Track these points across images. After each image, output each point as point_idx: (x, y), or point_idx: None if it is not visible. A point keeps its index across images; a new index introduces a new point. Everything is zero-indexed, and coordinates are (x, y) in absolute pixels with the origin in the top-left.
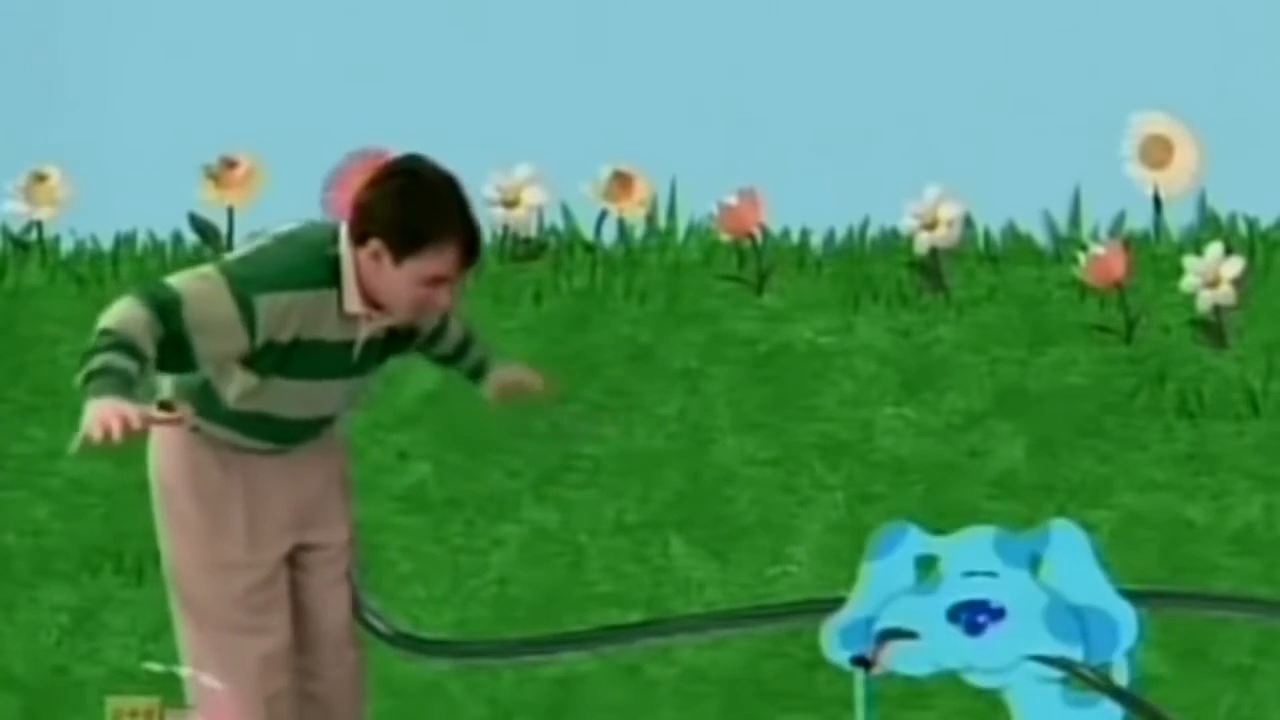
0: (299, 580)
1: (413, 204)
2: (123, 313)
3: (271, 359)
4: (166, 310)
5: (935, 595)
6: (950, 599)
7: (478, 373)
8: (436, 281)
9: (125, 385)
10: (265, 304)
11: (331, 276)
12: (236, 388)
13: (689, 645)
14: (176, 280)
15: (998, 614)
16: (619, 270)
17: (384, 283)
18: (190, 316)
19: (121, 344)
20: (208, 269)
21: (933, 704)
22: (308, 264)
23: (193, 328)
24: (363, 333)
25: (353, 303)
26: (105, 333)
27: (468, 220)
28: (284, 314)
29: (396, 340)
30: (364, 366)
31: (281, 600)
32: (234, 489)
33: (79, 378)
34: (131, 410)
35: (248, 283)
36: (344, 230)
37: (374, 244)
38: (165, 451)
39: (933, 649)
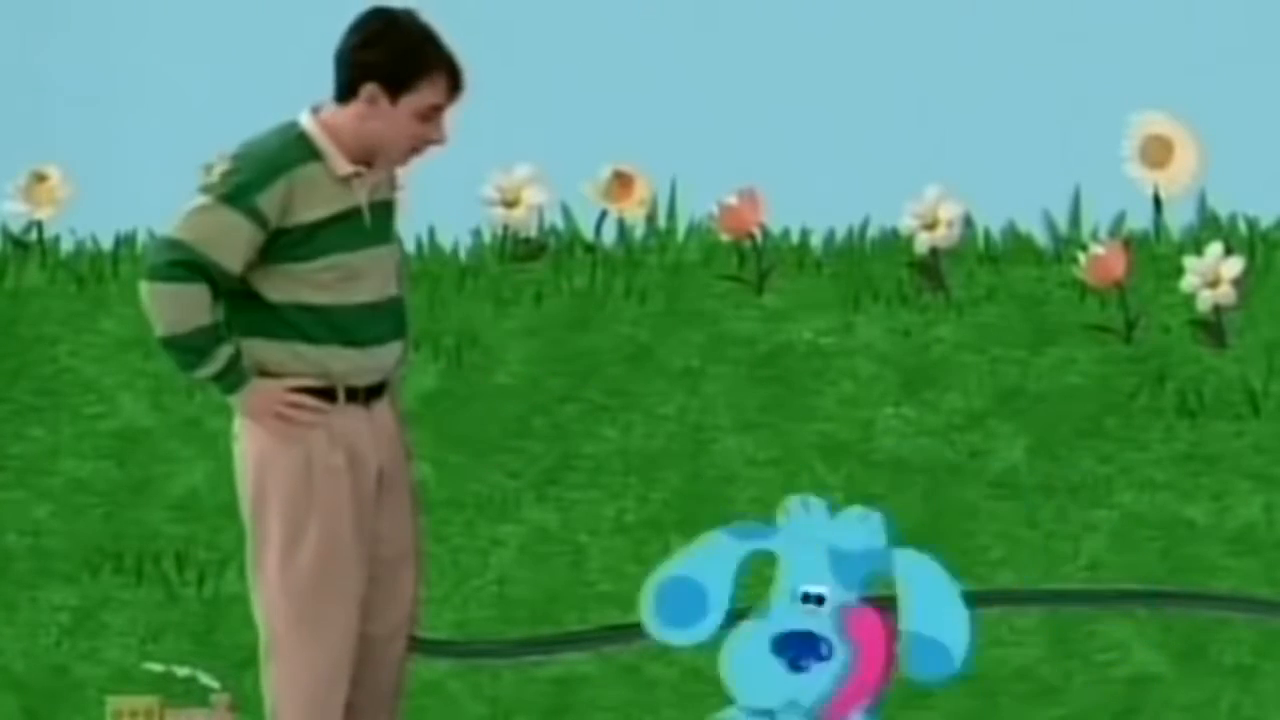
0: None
1: (400, 42)
2: (170, 306)
3: (289, 246)
4: (191, 268)
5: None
6: (777, 626)
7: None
8: (431, 114)
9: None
10: (265, 200)
11: (310, 152)
12: (296, 287)
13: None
14: (182, 228)
15: (825, 656)
16: (619, 270)
17: (380, 126)
18: (208, 253)
19: (203, 337)
20: (203, 200)
21: (933, 704)
22: (284, 147)
23: (218, 258)
24: (360, 194)
25: (341, 165)
26: (171, 340)
27: (449, 50)
28: (284, 201)
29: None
30: (381, 232)
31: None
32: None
33: (200, 378)
34: (287, 394)
35: (244, 190)
36: (305, 112)
37: (368, 89)
38: (274, 465)
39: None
